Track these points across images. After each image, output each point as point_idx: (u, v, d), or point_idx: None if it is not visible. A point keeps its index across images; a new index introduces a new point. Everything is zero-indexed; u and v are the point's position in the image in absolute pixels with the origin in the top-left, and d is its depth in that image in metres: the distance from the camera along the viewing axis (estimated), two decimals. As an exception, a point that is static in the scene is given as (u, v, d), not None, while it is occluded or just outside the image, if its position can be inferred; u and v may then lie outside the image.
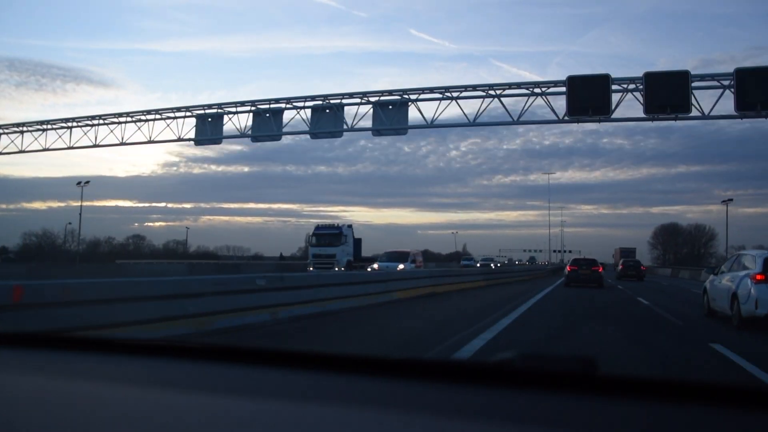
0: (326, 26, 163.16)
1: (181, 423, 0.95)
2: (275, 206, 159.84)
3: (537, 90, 21.54)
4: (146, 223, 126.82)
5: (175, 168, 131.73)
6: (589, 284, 25.86)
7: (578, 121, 21.19)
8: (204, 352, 1.38)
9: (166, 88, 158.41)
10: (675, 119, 20.41)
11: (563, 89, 20.92)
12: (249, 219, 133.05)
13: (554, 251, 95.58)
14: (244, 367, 1.28)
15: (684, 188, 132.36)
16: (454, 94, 22.17)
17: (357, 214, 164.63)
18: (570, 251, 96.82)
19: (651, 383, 1.04)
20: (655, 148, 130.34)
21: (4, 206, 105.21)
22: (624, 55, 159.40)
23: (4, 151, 28.91)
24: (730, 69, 19.75)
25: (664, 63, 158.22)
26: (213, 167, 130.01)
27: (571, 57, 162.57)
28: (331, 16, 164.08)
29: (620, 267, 41.46)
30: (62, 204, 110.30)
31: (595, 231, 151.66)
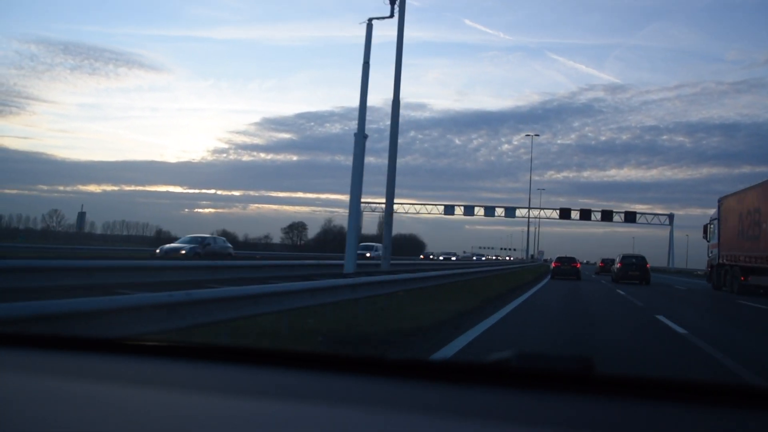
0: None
1: (181, 423, 0.95)
2: (323, 196, 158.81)
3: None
4: (196, 209, 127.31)
5: (224, 155, 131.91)
6: (570, 276, 30.74)
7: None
8: (204, 352, 1.38)
9: (217, 76, 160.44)
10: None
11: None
12: (296, 208, 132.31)
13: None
14: (244, 367, 1.28)
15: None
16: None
17: (405, 207, 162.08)
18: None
19: (648, 383, 1.05)
20: (718, 146, 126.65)
21: (61, 188, 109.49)
22: (686, 50, 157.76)
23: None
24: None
25: (731, 56, 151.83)
26: (262, 155, 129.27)
27: (629, 50, 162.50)
28: (384, 5, 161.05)
29: (618, 265, 29.73)
30: (116, 188, 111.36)
31: (647, 232, 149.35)
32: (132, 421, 0.95)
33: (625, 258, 29.92)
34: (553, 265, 34.11)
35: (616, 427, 0.95)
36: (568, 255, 33.60)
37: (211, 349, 1.41)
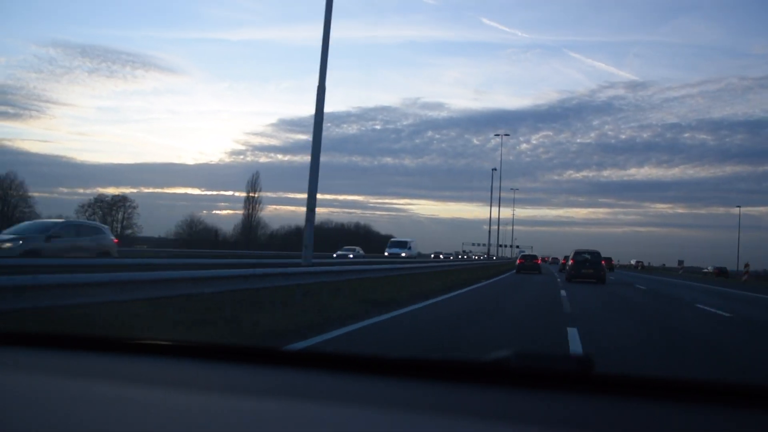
0: (396, 15, 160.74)
1: (181, 423, 0.95)
2: (341, 197, 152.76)
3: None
4: (214, 211, 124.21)
5: (242, 156, 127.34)
6: (532, 271, 35.26)
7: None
8: (204, 352, 1.39)
9: (234, 77, 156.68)
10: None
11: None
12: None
13: (502, 245, 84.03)
14: (244, 367, 1.28)
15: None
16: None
17: (423, 207, 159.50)
18: (518, 246, 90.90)
19: (648, 382, 1.06)
20: (743, 144, 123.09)
21: (81, 191, 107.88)
22: (709, 45, 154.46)
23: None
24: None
25: (756, 51, 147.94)
26: (279, 156, 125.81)
27: (650, 47, 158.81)
28: (401, 5, 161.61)
29: (571, 262, 26.91)
30: (134, 190, 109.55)
31: (669, 231, 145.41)
32: (132, 421, 0.95)
33: (577, 254, 26.60)
34: (518, 261, 38.98)
35: (616, 427, 0.95)
36: (532, 253, 40.65)
37: (210, 349, 1.42)
